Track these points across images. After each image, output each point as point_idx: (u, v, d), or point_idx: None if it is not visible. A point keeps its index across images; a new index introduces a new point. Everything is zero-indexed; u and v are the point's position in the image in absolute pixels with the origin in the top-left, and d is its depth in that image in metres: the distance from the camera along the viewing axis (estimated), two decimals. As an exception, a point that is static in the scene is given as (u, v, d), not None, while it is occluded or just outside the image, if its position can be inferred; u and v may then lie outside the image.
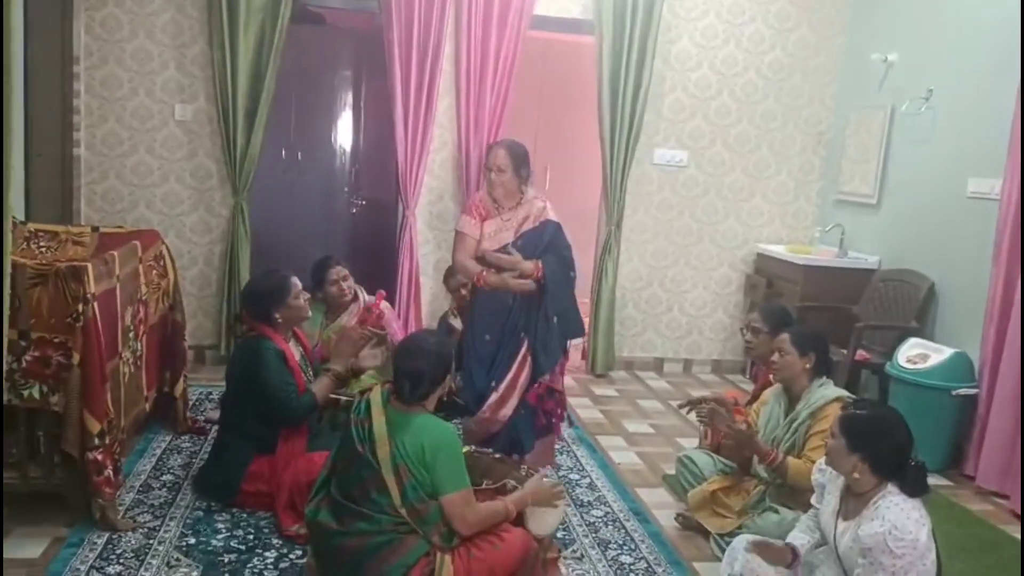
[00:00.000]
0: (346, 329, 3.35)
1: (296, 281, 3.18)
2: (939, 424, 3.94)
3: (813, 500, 2.52)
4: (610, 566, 2.85)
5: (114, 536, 2.78)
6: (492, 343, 3.51)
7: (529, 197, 3.61)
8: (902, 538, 2.15)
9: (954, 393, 3.90)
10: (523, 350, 3.50)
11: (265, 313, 3.11)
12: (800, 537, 2.48)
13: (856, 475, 2.28)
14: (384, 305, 3.94)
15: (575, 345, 3.80)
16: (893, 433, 2.28)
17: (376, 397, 2.40)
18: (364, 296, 3.94)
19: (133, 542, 2.77)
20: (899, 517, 2.18)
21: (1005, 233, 3.84)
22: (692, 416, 3.32)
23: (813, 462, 2.81)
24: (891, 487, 2.26)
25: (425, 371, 2.38)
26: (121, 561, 2.64)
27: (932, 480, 3.62)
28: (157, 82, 4.76)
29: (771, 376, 3.28)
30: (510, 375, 3.48)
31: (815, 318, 4.63)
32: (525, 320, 3.50)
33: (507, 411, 3.49)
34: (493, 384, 3.48)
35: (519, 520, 2.55)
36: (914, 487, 2.26)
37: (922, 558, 2.19)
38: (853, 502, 2.33)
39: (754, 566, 2.52)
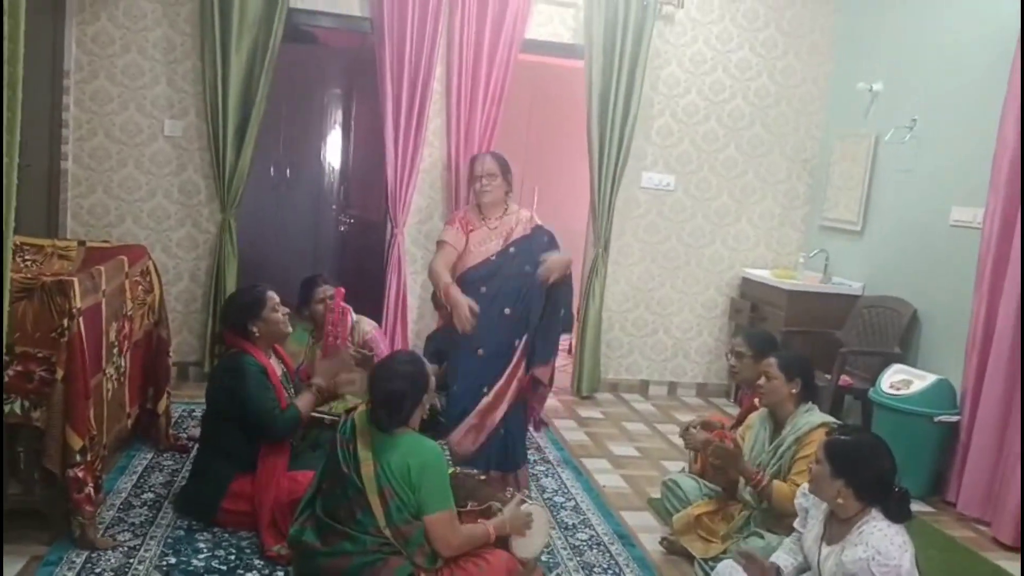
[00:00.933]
0: (338, 347, 3.31)
1: (273, 295, 3.15)
2: (921, 450, 3.96)
3: (796, 524, 2.53)
4: (594, 590, 2.85)
5: (93, 555, 2.74)
6: (485, 356, 3.46)
7: (513, 209, 3.66)
8: (886, 563, 2.16)
9: (936, 420, 3.93)
10: (516, 357, 3.46)
11: (242, 327, 3.08)
12: (785, 559, 2.49)
13: (840, 500, 2.29)
14: (371, 325, 3.93)
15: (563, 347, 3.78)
16: (877, 459, 2.30)
17: (362, 417, 2.39)
18: (352, 316, 3.92)
19: (113, 561, 2.73)
20: (883, 543, 2.19)
21: (987, 261, 3.89)
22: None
23: (798, 486, 2.83)
24: (875, 512, 2.28)
25: (402, 394, 2.38)
26: (100, 580, 2.61)
27: (914, 506, 3.65)
28: (148, 97, 4.76)
29: (756, 400, 3.30)
30: (502, 381, 3.45)
31: (799, 343, 4.66)
32: (523, 326, 3.47)
33: (497, 416, 3.45)
34: (485, 390, 3.45)
35: (504, 543, 2.54)
36: (898, 513, 2.27)
37: (905, 584, 2.21)
38: (837, 527, 2.34)
39: (737, 589, 2.53)
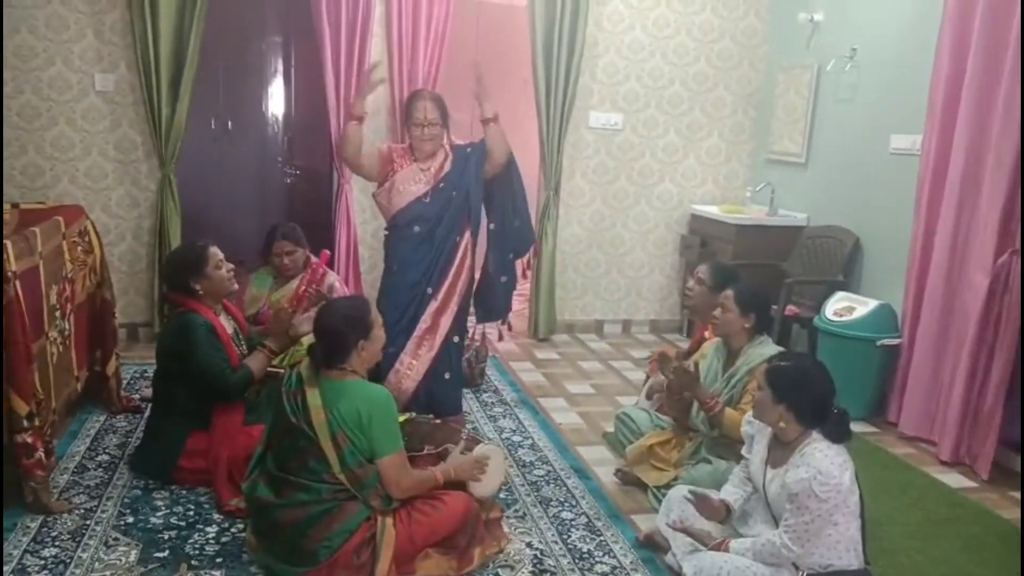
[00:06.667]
0: (276, 309, 3.27)
1: (215, 251, 3.09)
2: (865, 374, 4.10)
3: (743, 451, 2.62)
4: (552, 522, 2.91)
5: (49, 519, 2.73)
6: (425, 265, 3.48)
7: (444, 147, 3.60)
8: (827, 482, 2.25)
9: (879, 344, 4.05)
10: (460, 252, 3.51)
11: (185, 285, 3.03)
12: (733, 492, 2.57)
13: (782, 424, 2.37)
14: (334, 277, 3.92)
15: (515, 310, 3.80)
16: (815, 383, 2.38)
17: (307, 368, 2.39)
18: (330, 278, 3.91)
19: (69, 524, 2.71)
20: (823, 463, 2.27)
21: (925, 188, 3.98)
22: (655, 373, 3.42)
23: (746, 414, 2.91)
24: (815, 435, 2.36)
25: (339, 331, 2.39)
26: (57, 544, 2.60)
27: (858, 427, 3.80)
28: (75, 51, 4.56)
29: (707, 332, 3.37)
30: (448, 280, 3.49)
31: (748, 276, 4.71)
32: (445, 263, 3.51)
33: (446, 320, 3.51)
34: (430, 290, 3.49)
35: (462, 482, 2.59)
36: (837, 434, 2.36)
37: (845, 501, 2.30)
38: (780, 451, 2.43)
39: (688, 515, 2.62)
